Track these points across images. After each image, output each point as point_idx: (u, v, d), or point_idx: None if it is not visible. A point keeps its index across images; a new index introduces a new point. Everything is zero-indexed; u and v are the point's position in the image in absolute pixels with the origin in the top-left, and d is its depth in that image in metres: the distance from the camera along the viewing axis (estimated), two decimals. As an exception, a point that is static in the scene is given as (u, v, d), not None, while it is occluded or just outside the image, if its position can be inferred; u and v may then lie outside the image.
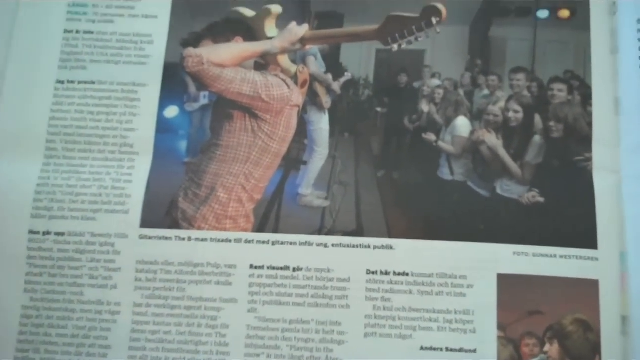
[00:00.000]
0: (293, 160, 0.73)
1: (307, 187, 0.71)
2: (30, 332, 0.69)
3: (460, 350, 0.66)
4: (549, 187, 0.69)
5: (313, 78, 0.74)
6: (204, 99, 0.74)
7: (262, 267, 0.69)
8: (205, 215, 0.71)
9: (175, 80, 0.74)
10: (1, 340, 0.69)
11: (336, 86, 0.74)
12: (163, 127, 0.73)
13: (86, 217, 0.71)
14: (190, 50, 0.70)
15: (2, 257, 0.71)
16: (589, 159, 0.69)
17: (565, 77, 0.72)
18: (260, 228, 0.70)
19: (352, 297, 0.68)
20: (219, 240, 0.70)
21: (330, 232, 0.69)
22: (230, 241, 0.70)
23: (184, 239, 0.70)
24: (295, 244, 0.69)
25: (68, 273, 0.70)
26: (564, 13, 0.72)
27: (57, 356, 0.69)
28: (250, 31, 0.73)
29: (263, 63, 0.75)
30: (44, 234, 0.71)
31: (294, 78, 0.74)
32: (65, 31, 0.75)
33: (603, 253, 0.66)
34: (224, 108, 0.73)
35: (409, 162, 0.71)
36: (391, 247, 0.68)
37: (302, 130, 0.73)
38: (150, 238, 0.70)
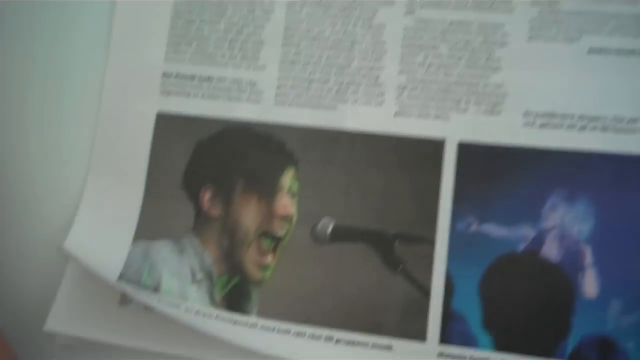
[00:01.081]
0: None
1: None
2: (181, 26, 0.69)
3: (631, 52, 0.63)
4: None
5: None
6: None
7: (421, -31, 0.66)
8: None
9: None
10: (154, 35, 0.70)
11: None
12: None
13: None
14: None
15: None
16: None
17: None
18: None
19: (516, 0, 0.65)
20: (377, -54, 0.68)
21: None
22: (389, -55, 0.67)
23: (340, -55, 0.68)
24: None
25: (229, -27, 0.69)
26: None
27: (209, 49, 0.69)
28: None
29: None
30: None
31: None
32: None
33: None
34: None
35: None
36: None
37: None
38: (306, -54, 0.68)
